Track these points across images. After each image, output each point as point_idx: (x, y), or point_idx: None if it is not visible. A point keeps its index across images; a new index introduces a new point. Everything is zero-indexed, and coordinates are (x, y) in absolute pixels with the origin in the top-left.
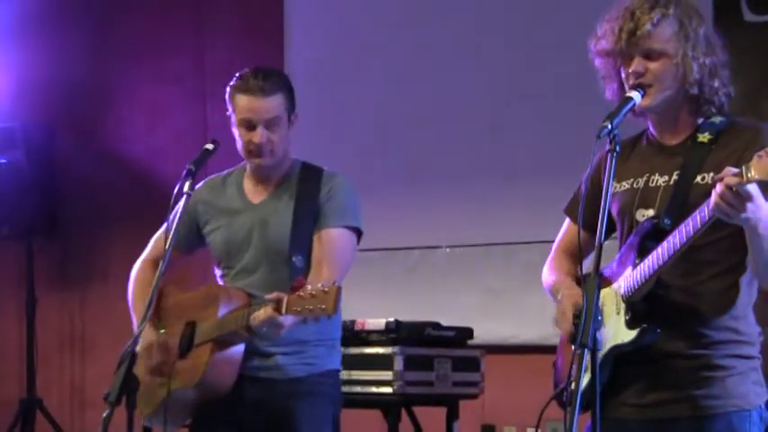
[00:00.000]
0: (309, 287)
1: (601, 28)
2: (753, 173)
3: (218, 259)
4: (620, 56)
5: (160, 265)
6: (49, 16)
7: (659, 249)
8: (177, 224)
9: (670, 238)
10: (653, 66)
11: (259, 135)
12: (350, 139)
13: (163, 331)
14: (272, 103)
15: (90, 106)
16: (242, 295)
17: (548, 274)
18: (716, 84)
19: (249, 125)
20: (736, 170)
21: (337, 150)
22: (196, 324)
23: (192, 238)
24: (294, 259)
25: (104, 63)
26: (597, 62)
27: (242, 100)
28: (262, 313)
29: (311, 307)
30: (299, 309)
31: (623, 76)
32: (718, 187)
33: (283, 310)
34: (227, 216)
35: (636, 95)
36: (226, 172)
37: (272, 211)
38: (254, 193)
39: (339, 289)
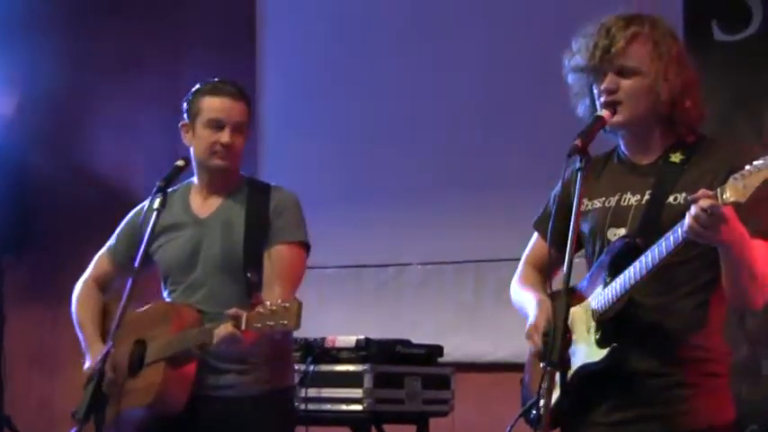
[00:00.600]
0: (269, 303)
1: (576, 44)
2: (727, 195)
3: (165, 275)
4: (594, 72)
5: (128, 283)
6: (22, 31)
7: (631, 269)
8: (145, 242)
9: (642, 257)
10: (625, 83)
11: (227, 135)
12: (323, 154)
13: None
14: (242, 108)
15: (62, 122)
16: (192, 312)
17: (517, 288)
18: (688, 104)
19: (218, 125)
20: (710, 192)
21: (312, 166)
22: (146, 343)
23: (134, 255)
24: (250, 275)
25: (76, 79)
26: (570, 78)
27: (213, 101)
28: (222, 330)
29: (272, 323)
30: (259, 325)
31: (596, 92)
32: (693, 209)
33: (243, 326)
34: (172, 232)
35: (607, 114)
36: (169, 189)
37: (223, 226)
38: (202, 208)
39: (301, 304)
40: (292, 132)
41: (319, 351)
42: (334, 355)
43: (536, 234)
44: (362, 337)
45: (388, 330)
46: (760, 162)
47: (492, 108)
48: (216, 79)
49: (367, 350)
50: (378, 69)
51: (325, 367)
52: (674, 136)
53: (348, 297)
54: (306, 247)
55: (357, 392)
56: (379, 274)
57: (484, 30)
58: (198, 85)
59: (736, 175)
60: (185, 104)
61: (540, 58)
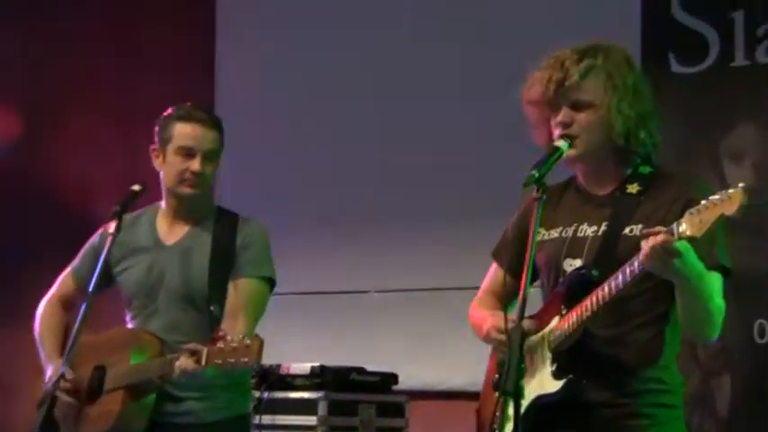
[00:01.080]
0: (230, 338)
1: (531, 76)
2: (683, 229)
3: (128, 300)
4: (549, 105)
5: (83, 307)
6: None
7: (587, 301)
8: (101, 265)
9: (598, 290)
10: (580, 116)
11: (198, 163)
12: (279, 181)
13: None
14: (214, 136)
15: (19, 143)
16: (154, 341)
17: (475, 314)
18: (642, 134)
19: (189, 153)
20: (664, 228)
21: (269, 192)
22: (106, 368)
23: (101, 277)
24: (212, 307)
25: (34, 98)
26: (527, 110)
27: (185, 128)
28: (183, 363)
29: (233, 360)
30: (220, 361)
31: (552, 124)
32: (648, 243)
33: (203, 362)
34: (138, 256)
35: (563, 145)
36: (137, 212)
37: (188, 255)
38: (168, 234)
39: (262, 342)
40: (249, 157)
41: (274, 378)
42: (289, 382)
43: (494, 263)
44: (317, 364)
45: (343, 358)
46: (716, 197)
47: (449, 139)
48: (188, 104)
49: (322, 377)
50: (337, 97)
51: (279, 394)
52: (630, 167)
53: (304, 324)
54: (271, 282)
55: (311, 420)
56: (336, 301)
57: (438, 61)
58: (170, 110)
59: (692, 210)
60: (156, 128)
61: (496, 87)
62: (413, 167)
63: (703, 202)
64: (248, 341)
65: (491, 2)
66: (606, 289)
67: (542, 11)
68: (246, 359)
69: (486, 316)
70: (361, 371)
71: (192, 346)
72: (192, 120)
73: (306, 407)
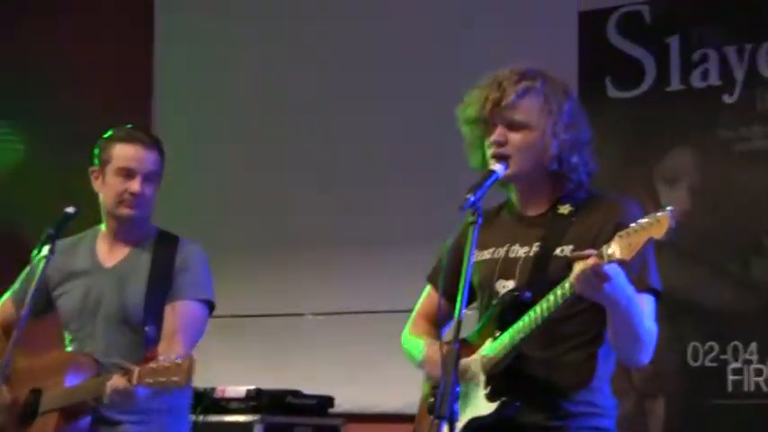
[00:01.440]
0: (162, 358)
1: (468, 96)
2: (612, 252)
3: (66, 323)
4: (484, 124)
5: (13, 332)
6: None
7: (519, 323)
8: (34, 289)
9: (531, 312)
10: (514, 137)
11: (138, 184)
12: (217, 203)
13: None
14: (155, 157)
15: None
16: (91, 363)
17: (407, 338)
18: (575, 160)
19: (129, 174)
20: (594, 252)
21: (206, 214)
22: (42, 392)
23: (40, 301)
24: (147, 329)
25: None
26: (463, 129)
27: (124, 149)
28: (114, 382)
29: (164, 379)
30: (151, 381)
31: (486, 144)
32: (578, 266)
33: (134, 380)
34: (77, 279)
35: (499, 168)
36: (77, 236)
37: (126, 277)
38: (108, 256)
39: (193, 361)
40: (184, 179)
41: (209, 401)
42: (224, 405)
43: (429, 286)
44: (253, 387)
45: (279, 381)
46: (645, 220)
47: (383, 163)
48: (129, 126)
49: (258, 400)
50: (267, 123)
51: (214, 418)
52: (562, 188)
53: (239, 347)
54: (211, 305)
55: None
56: (272, 323)
57: (371, 84)
58: (110, 131)
59: (622, 233)
60: (96, 150)
61: (431, 110)
62: (348, 191)
63: (632, 225)
64: (179, 360)
65: (426, 22)
66: (538, 312)
67: (480, 34)
68: (177, 378)
69: (420, 345)
70: (297, 394)
71: (123, 364)
72: (132, 141)
73: (241, 430)
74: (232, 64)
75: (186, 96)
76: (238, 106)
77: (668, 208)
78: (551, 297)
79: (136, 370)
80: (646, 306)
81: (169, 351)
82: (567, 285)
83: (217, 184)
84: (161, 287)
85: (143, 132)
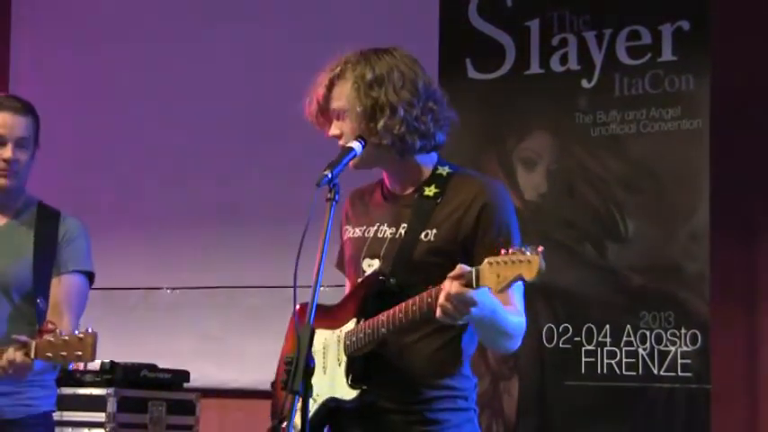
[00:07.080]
0: (60, 332)
1: (308, 94)
2: (482, 281)
3: None
4: (322, 124)
5: None
6: None
7: (383, 316)
8: None
9: (396, 309)
10: (343, 125)
11: (10, 151)
12: (72, 176)
13: None
14: (26, 123)
15: None
16: None
17: None
18: (381, 123)
19: (0, 141)
20: (463, 280)
21: (61, 187)
22: None
23: None
24: (38, 301)
25: None
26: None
27: None
28: (10, 355)
29: (65, 353)
30: (50, 354)
31: None
32: (444, 290)
33: (32, 354)
34: None
35: (357, 146)
36: None
37: (9, 247)
38: None
39: (96, 336)
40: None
41: (63, 374)
42: (79, 378)
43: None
44: (107, 360)
45: (134, 354)
46: (517, 257)
47: (244, 137)
48: (1, 94)
49: (112, 374)
50: (130, 96)
51: (68, 390)
52: (428, 168)
53: (95, 320)
54: (91, 276)
55: (100, 416)
56: (128, 297)
57: (236, 58)
58: None
59: (492, 260)
60: None
61: (291, 85)
62: (211, 166)
63: (504, 257)
64: (81, 335)
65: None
66: (402, 313)
67: (342, 16)
68: (81, 353)
69: None
70: (152, 368)
71: (21, 338)
72: (2, 108)
73: (95, 403)
74: (96, 38)
75: (49, 68)
76: (104, 80)
77: (539, 249)
78: (418, 305)
79: (32, 344)
80: (514, 298)
81: (59, 325)
82: (426, 304)
83: (73, 155)
84: (47, 260)
85: (14, 99)
